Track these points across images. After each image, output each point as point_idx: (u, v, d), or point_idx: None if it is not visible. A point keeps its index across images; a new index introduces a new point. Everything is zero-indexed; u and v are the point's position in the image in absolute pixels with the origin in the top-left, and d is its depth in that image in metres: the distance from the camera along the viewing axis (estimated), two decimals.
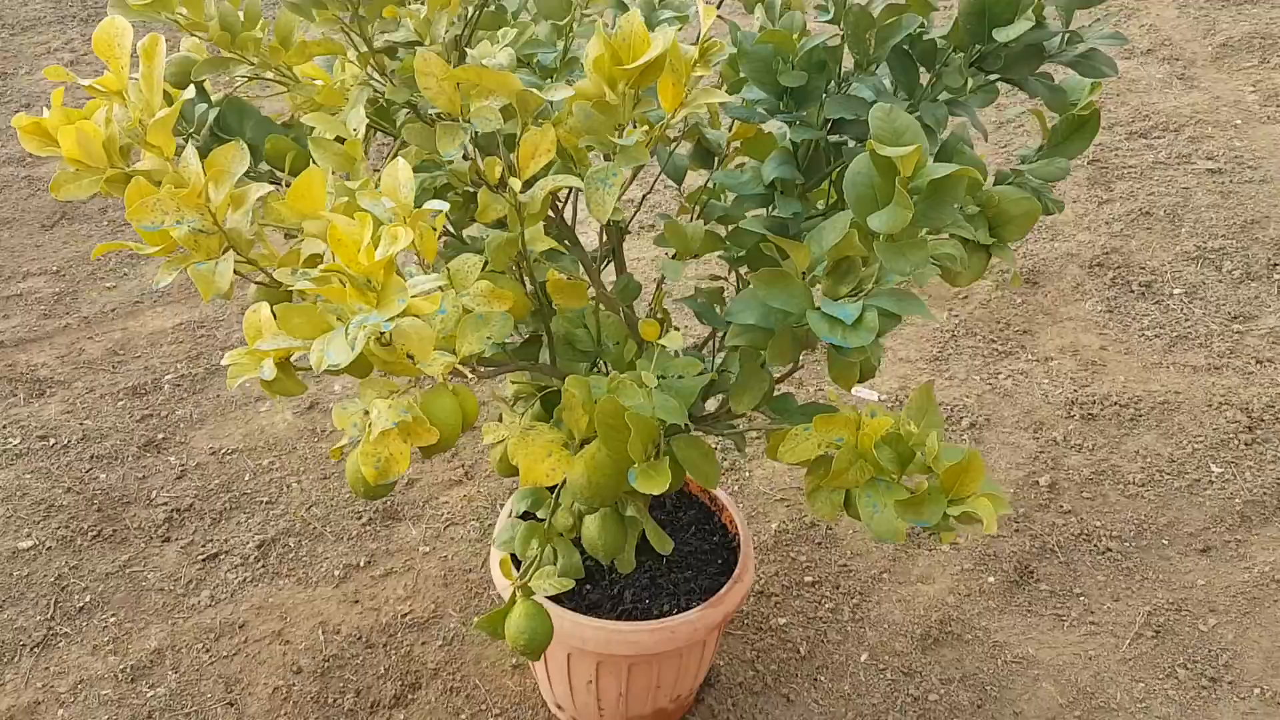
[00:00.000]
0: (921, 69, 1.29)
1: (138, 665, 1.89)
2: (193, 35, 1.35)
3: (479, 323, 1.11)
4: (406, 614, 1.98)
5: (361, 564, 2.08)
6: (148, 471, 2.29)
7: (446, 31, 1.29)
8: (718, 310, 1.47)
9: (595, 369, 1.40)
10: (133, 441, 2.36)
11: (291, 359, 1.12)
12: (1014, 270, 1.34)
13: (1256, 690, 1.86)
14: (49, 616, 1.97)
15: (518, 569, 1.63)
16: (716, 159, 1.47)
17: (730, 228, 1.42)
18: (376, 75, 1.36)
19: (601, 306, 1.39)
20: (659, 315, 1.39)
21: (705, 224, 1.39)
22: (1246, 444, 2.37)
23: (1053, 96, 1.27)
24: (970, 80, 1.23)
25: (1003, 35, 1.16)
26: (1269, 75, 3.92)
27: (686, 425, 1.26)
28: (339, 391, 2.51)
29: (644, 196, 1.56)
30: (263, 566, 2.08)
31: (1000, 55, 1.23)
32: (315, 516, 2.18)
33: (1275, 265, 2.93)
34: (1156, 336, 2.69)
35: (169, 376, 2.55)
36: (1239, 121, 3.65)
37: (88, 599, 2.01)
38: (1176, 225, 3.10)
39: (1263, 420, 2.42)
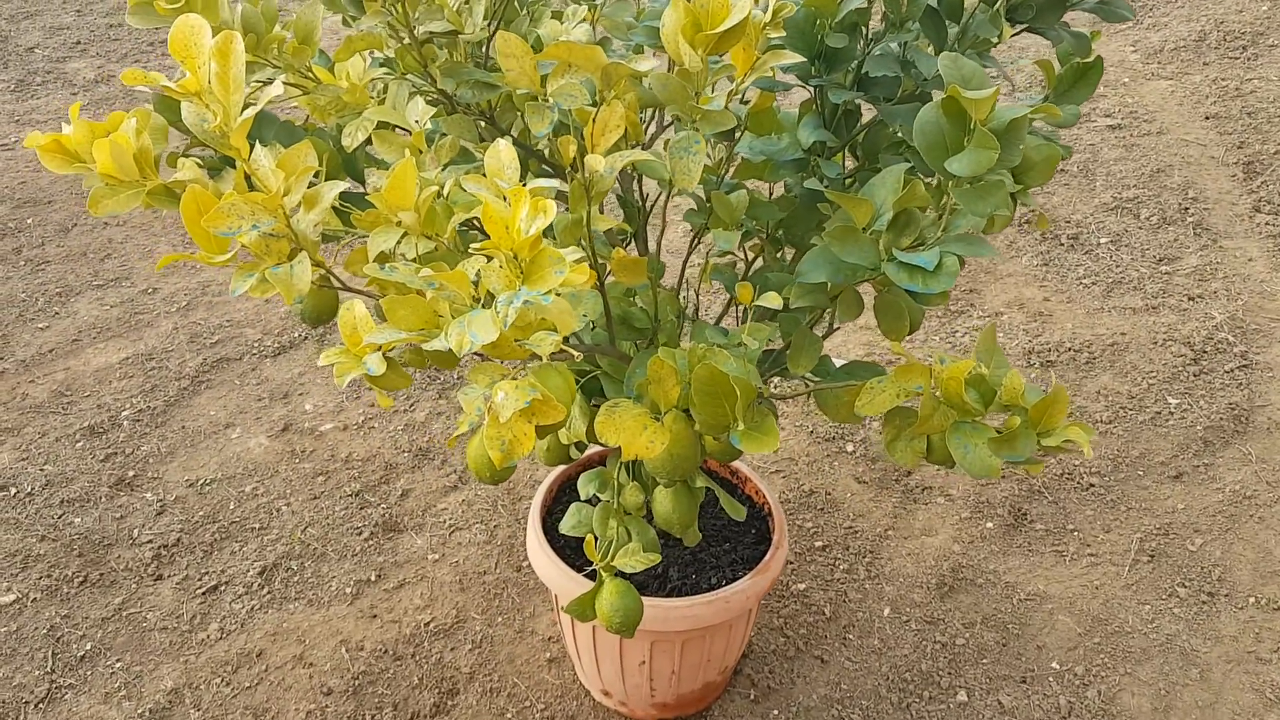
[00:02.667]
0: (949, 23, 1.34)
1: (156, 707, 1.81)
2: None
3: (574, 300, 1.11)
4: (429, 622, 1.95)
5: (372, 578, 2.04)
6: (124, 511, 2.19)
7: (485, 21, 1.29)
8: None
9: (649, 345, 1.41)
10: (102, 482, 2.26)
11: (392, 351, 1.10)
12: (1039, 212, 1.40)
13: (1251, 599, 1.97)
14: (49, 670, 1.88)
15: (553, 547, 1.62)
16: (737, 132, 1.49)
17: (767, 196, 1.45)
18: (403, 70, 1.35)
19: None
20: (705, 284, 1.41)
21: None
22: (1194, 375, 2.50)
23: (1077, 44, 1.33)
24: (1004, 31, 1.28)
25: None
26: (1144, 35, 4.15)
27: (761, 391, 1.28)
28: (310, 412, 2.45)
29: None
30: (268, 592, 2.02)
31: (1032, 5, 1.28)
32: (313, 537, 2.13)
33: (1187, 209, 3.11)
34: (1094, 284, 2.83)
35: (126, 412, 2.45)
36: (1126, 80, 3.85)
37: (88, 647, 1.91)
38: (1091, 179, 3.26)
39: (1205, 352, 2.57)
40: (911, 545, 2.10)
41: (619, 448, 1.19)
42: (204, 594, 2.02)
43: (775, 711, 1.80)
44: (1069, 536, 2.12)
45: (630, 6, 1.37)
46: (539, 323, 1.14)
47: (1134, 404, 2.43)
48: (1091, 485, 2.22)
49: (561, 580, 1.59)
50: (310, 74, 1.37)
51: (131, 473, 2.28)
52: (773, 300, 1.19)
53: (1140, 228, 3.04)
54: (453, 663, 1.87)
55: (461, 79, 1.28)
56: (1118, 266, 2.89)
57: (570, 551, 1.66)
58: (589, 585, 1.58)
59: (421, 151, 1.18)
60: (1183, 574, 2.03)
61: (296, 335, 2.69)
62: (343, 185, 1.12)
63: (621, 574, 1.43)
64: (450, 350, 1.03)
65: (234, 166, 1.35)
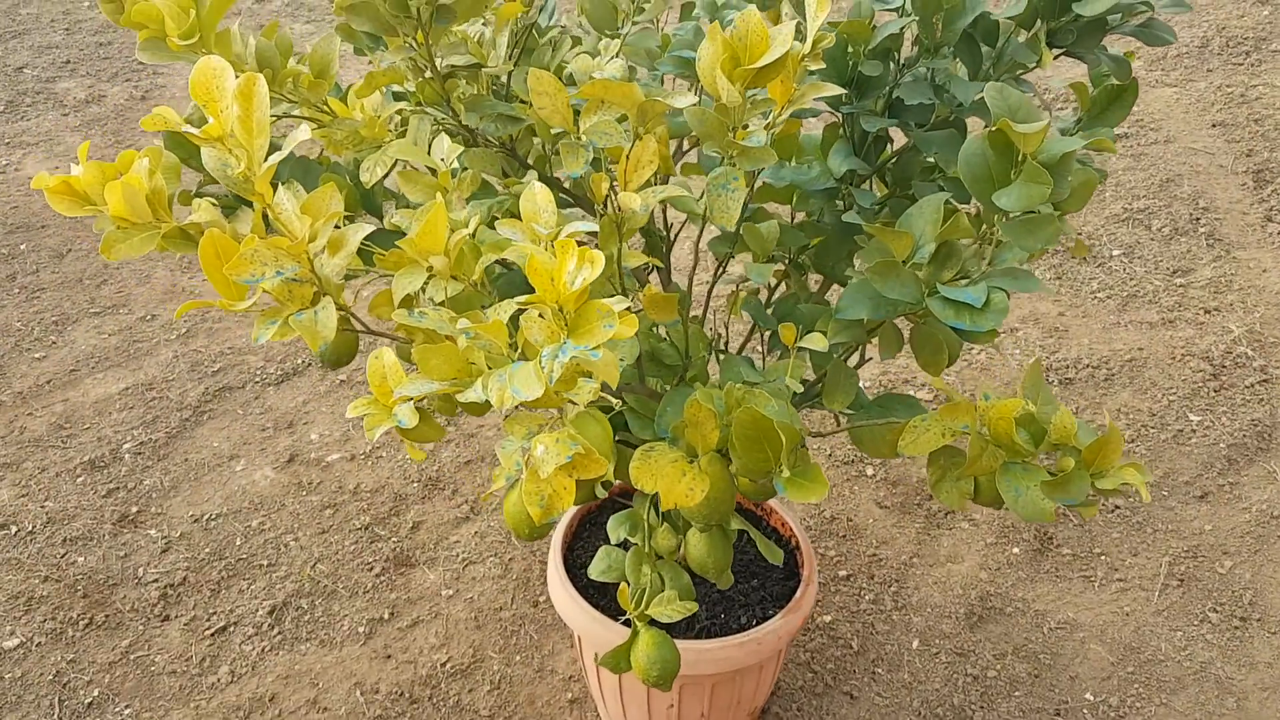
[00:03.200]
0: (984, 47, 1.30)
1: None
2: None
3: (611, 344, 1.06)
4: (445, 663, 1.90)
5: (385, 617, 1.98)
6: (128, 549, 2.13)
7: (508, 52, 1.24)
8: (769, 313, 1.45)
9: (680, 382, 1.36)
10: (104, 519, 2.20)
11: (421, 401, 1.05)
12: (1077, 239, 1.36)
13: None
14: (55, 718, 1.82)
15: (575, 585, 1.57)
16: None
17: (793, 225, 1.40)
18: (423, 103, 1.30)
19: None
20: (734, 316, 1.36)
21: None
22: (1215, 391, 2.47)
23: (1118, 68, 1.29)
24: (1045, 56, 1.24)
25: (1089, 9, 1.17)
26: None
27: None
28: (316, 441, 2.40)
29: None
30: (279, 633, 1.96)
31: (1072, 30, 1.24)
32: (323, 574, 2.07)
33: (1198, 220, 3.07)
34: (1109, 297, 2.79)
35: (127, 445, 2.39)
36: None
37: (95, 693, 1.86)
38: (1100, 190, 3.22)
39: (1224, 367, 2.53)
40: (938, 573, 2.05)
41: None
42: (213, 635, 1.96)
43: None
44: (1096, 561, 2.07)
45: (654, 35, 1.32)
46: (577, 369, 1.09)
47: (1156, 421, 2.39)
48: (1117, 507, 2.18)
49: (587, 623, 1.54)
50: (327, 108, 1.32)
51: (134, 508, 2.23)
52: (818, 342, 1.14)
53: (1152, 239, 3.01)
54: (471, 705, 1.82)
55: (485, 112, 1.23)
56: (1132, 279, 2.85)
57: (593, 590, 1.61)
58: (614, 627, 1.54)
59: (447, 190, 1.13)
60: (1213, 598, 1.99)
61: (300, 362, 2.64)
62: (369, 228, 1.07)
63: (655, 622, 1.38)
64: (486, 401, 0.98)
65: (251, 205, 1.30)
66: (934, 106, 1.32)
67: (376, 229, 1.12)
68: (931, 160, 1.40)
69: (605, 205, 1.11)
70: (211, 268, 1.10)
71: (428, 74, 1.22)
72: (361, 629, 1.96)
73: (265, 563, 2.11)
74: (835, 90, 1.08)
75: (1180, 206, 3.13)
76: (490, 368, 0.99)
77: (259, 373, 2.61)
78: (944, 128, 1.32)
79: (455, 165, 1.10)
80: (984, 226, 1.19)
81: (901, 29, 1.25)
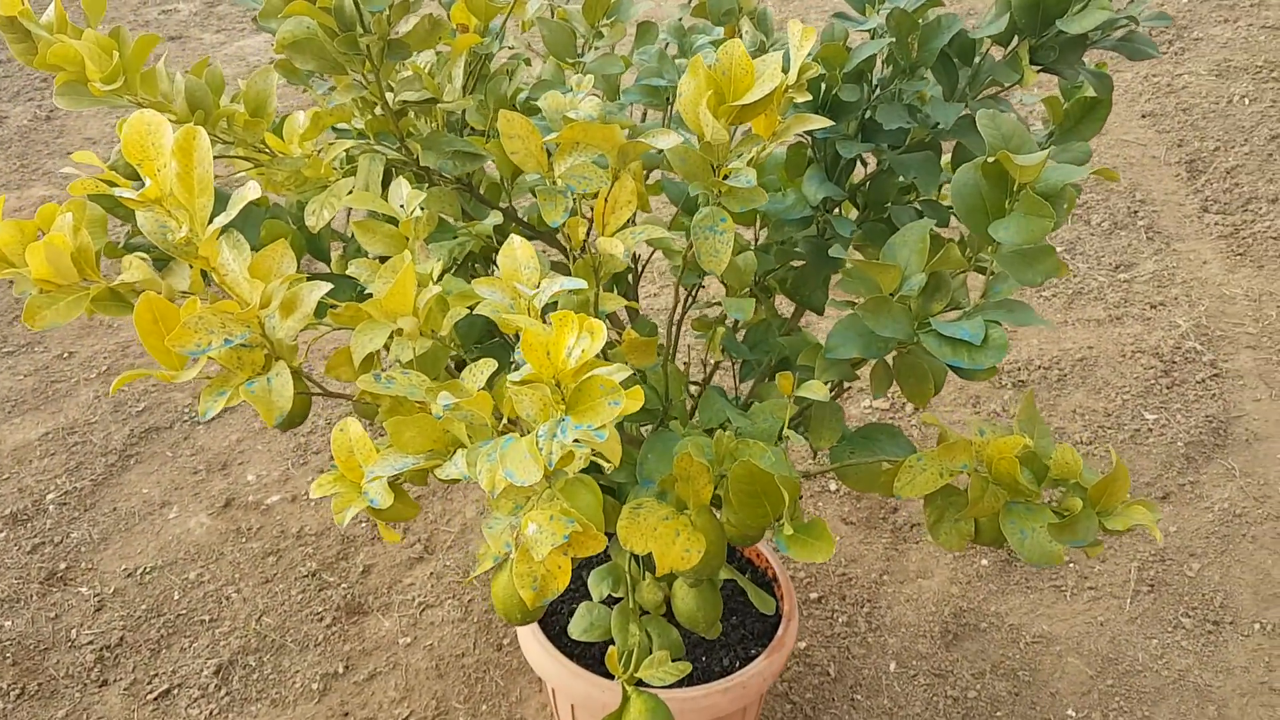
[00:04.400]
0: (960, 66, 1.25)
1: None
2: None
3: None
4: (407, 717, 1.80)
5: (340, 671, 1.88)
6: (59, 609, 2.00)
7: (464, 86, 1.16)
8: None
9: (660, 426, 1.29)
10: (30, 577, 2.06)
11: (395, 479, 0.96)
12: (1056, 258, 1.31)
13: (1256, 625, 1.92)
14: None
15: (545, 633, 1.50)
16: None
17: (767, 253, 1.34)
18: (373, 140, 1.21)
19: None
20: (715, 360, 1.29)
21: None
22: (1168, 388, 2.46)
23: (1100, 83, 1.25)
24: (1026, 74, 1.19)
25: (1075, 26, 1.12)
26: None
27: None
28: (253, 483, 2.28)
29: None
30: (226, 694, 1.85)
31: (1055, 47, 1.19)
32: (270, 627, 1.96)
33: (1136, 213, 3.08)
34: (1054, 295, 2.78)
35: (51, 496, 2.25)
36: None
37: None
38: None
39: (1174, 363, 2.53)
40: (909, 590, 2.01)
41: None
42: (156, 699, 1.84)
43: None
44: (1066, 570, 2.05)
45: (616, 61, 1.24)
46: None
47: (1112, 422, 2.38)
48: None
49: (565, 678, 1.47)
50: (265, 147, 1.22)
51: (63, 565, 2.09)
52: (818, 391, 1.07)
53: (1093, 234, 3.01)
54: None
55: (442, 150, 1.14)
56: (1075, 276, 2.85)
57: (566, 639, 1.53)
58: (591, 678, 1.46)
59: (408, 239, 1.04)
60: (1185, 603, 1.97)
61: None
62: (325, 286, 0.98)
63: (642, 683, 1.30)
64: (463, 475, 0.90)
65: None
66: (909, 129, 1.26)
67: (330, 281, 1.03)
68: (904, 182, 1.34)
69: (583, 250, 1.03)
70: (149, 334, 1.00)
71: (378, 111, 1.13)
72: (315, 685, 1.86)
73: (207, 618, 1.99)
74: (822, 122, 1.02)
75: (1117, 200, 3.14)
76: (472, 439, 0.90)
77: (187, 411, 2.48)
78: (921, 150, 1.27)
79: (418, 213, 1.01)
80: (972, 254, 1.14)
81: (877, 51, 1.19)
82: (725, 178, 0.99)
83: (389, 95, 1.11)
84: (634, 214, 1.01)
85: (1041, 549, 1.09)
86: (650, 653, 1.22)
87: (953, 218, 1.33)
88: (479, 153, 1.17)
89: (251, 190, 0.89)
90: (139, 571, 2.08)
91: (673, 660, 1.23)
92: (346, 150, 1.19)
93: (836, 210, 1.36)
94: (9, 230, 1.09)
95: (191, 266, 1.13)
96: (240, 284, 0.95)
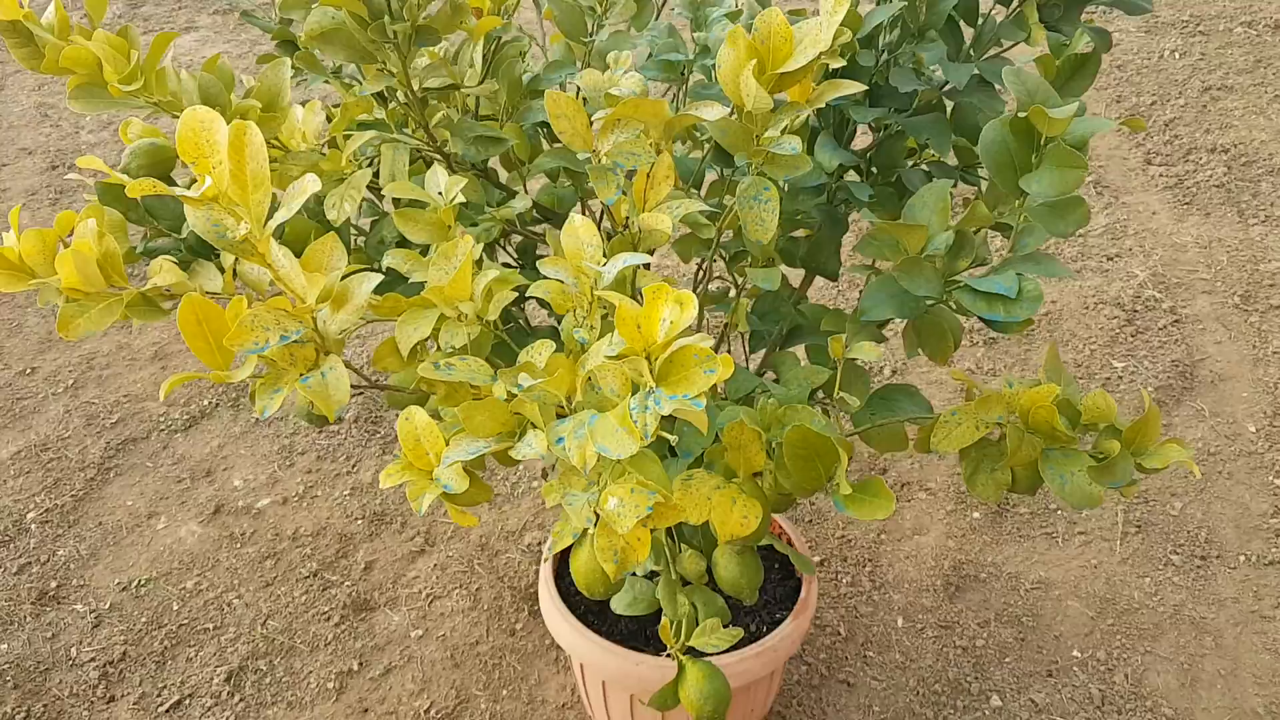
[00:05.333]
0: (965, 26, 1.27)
1: None
2: (173, 115, 1.14)
3: None
4: (428, 709, 1.80)
5: (354, 668, 1.87)
6: (55, 628, 1.96)
7: (482, 69, 1.15)
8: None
9: None
10: (21, 598, 2.01)
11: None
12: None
13: (1242, 557, 2.00)
14: None
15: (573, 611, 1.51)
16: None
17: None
18: (394, 130, 1.20)
19: None
20: (742, 330, 1.31)
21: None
22: (1132, 336, 2.54)
23: (1100, 39, 1.28)
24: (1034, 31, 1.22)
25: None
26: None
27: None
28: (241, 488, 2.25)
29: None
30: (241, 700, 1.83)
31: (1059, 4, 1.22)
32: (276, 630, 1.94)
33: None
34: None
35: (31, 515, 2.19)
36: None
37: None
38: None
39: (1136, 311, 2.61)
40: (907, 547, 2.05)
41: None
42: (168, 711, 1.81)
43: None
44: (1054, 517, 2.11)
45: (627, 39, 1.25)
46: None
47: (1082, 372, 2.44)
48: None
49: (597, 654, 1.48)
50: (278, 142, 1.21)
51: (54, 583, 2.04)
52: (870, 352, 1.10)
53: None
54: None
55: (465, 136, 1.14)
56: None
57: (592, 616, 1.54)
58: (626, 654, 1.47)
59: (450, 227, 1.04)
60: (1172, 540, 2.04)
61: (206, 403, 2.47)
62: (376, 278, 0.97)
63: (693, 650, 1.31)
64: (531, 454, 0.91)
65: (210, 257, 1.18)
66: (917, 92, 1.29)
67: (379, 276, 1.02)
68: (912, 144, 1.37)
69: (625, 225, 1.04)
70: (194, 336, 0.99)
71: (401, 97, 1.12)
72: (331, 684, 1.85)
73: (210, 626, 1.96)
74: (855, 88, 1.03)
75: None
76: (547, 421, 0.91)
77: (163, 420, 2.43)
78: (930, 112, 1.29)
79: (459, 199, 1.01)
80: (997, 211, 1.17)
81: (889, 16, 1.21)
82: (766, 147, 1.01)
83: (414, 83, 1.10)
84: (671, 190, 1.02)
85: (1082, 492, 1.13)
86: (697, 623, 1.24)
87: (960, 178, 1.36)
88: (500, 137, 1.17)
89: (311, 184, 0.88)
90: (133, 584, 2.04)
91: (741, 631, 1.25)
92: (368, 143, 1.18)
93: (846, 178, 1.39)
94: (31, 240, 1.07)
95: (222, 270, 1.12)
96: (295, 279, 0.94)
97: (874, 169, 1.38)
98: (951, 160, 1.38)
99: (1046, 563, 2.01)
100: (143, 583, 2.04)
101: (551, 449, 0.86)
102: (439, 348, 1.05)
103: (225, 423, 2.42)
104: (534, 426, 0.92)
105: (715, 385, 1.38)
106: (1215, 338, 2.52)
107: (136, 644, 1.93)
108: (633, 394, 0.80)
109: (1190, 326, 2.56)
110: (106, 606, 2.00)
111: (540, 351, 0.97)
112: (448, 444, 0.94)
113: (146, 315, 1.09)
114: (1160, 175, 3.12)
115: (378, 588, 2.02)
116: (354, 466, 2.28)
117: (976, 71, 1.25)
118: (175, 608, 2.00)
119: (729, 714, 1.56)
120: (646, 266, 1.24)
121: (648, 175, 1.01)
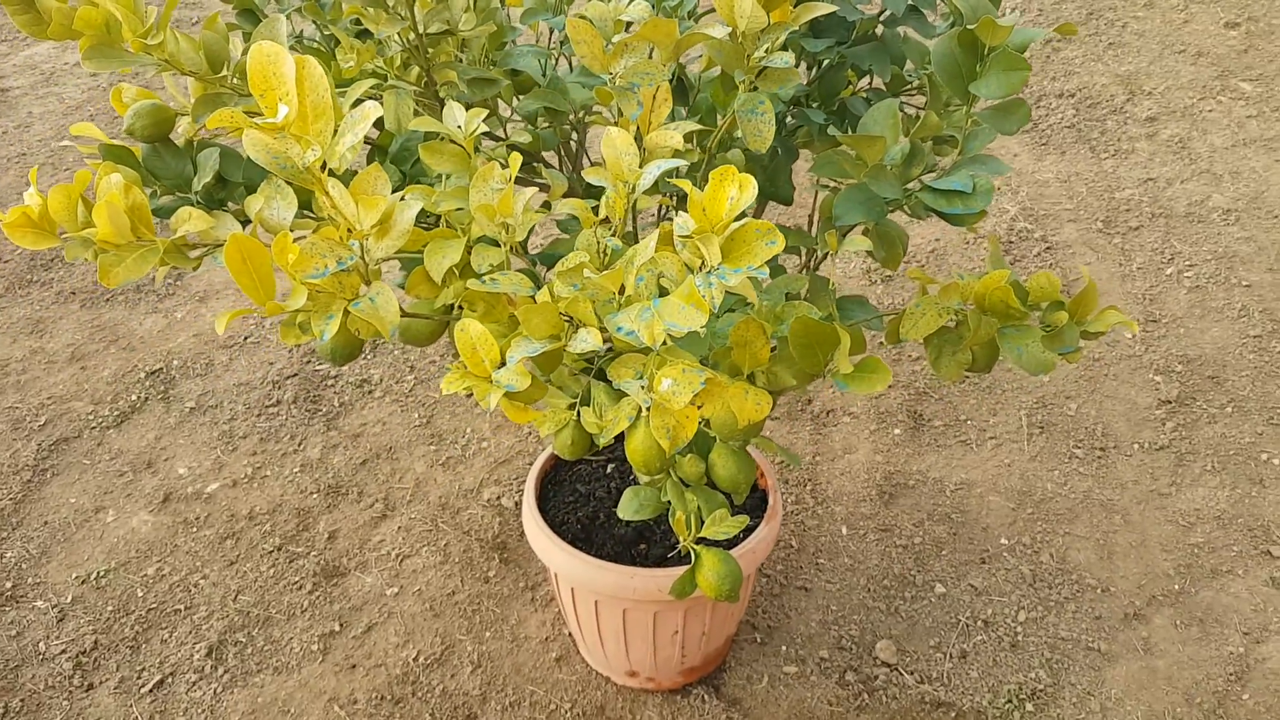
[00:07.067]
0: None
1: None
2: (183, 75, 1.18)
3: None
4: (415, 657, 1.86)
5: (335, 629, 1.92)
6: (18, 626, 1.94)
7: (466, 3, 1.24)
8: None
9: None
10: None
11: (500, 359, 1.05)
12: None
13: (1135, 445, 2.23)
14: None
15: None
16: (692, 93, 1.51)
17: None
18: (394, 78, 1.28)
19: None
20: None
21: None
22: (1011, 263, 2.77)
23: None
24: None
25: None
26: None
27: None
28: (186, 475, 2.25)
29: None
30: (225, 672, 1.86)
31: None
32: (250, 604, 1.97)
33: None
34: None
35: None
36: None
37: None
38: None
39: (1012, 242, 2.84)
40: (841, 465, 2.21)
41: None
42: (151, 691, 1.83)
43: (784, 647, 1.86)
44: (966, 426, 2.31)
45: None
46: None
47: None
48: (965, 378, 2.42)
49: (591, 572, 1.58)
50: None
51: (8, 584, 2.02)
52: (863, 244, 1.23)
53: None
54: (459, 689, 1.81)
55: (463, 77, 1.22)
56: None
57: (579, 544, 1.64)
58: (618, 569, 1.58)
59: (471, 157, 1.12)
60: (1072, 437, 2.26)
61: (135, 399, 2.45)
62: (419, 204, 1.05)
63: (703, 540, 1.42)
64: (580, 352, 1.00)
65: (222, 208, 1.24)
66: (855, 24, 1.43)
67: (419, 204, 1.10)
68: (850, 76, 1.51)
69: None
70: (241, 273, 1.05)
71: (409, 40, 1.20)
72: (315, 646, 1.89)
73: (180, 607, 1.97)
74: (828, 8, 1.16)
75: None
76: (604, 315, 1.01)
77: (91, 418, 2.41)
78: (868, 41, 1.44)
79: (481, 129, 1.10)
80: (945, 121, 1.32)
81: None
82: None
83: (424, 28, 1.18)
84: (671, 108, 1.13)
85: (1037, 359, 1.29)
86: (702, 521, 1.36)
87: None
88: (494, 78, 1.26)
89: (372, 109, 0.95)
90: (93, 577, 2.04)
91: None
92: (367, 92, 1.25)
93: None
94: (58, 196, 1.11)
95: (224, 210, 1.18)
96: (348, 206, 1.01)
97: (816, 100, 1.52)
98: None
99: (965, 466, 2.20)
100: (102, 574, 2.04)
101: (613, 337, 0.96)
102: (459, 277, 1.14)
103: (158, 415, 2.41)
104: (583, 325, 1.02)
105: None
106: (1084, 259, 2.77)
107: (106, 632, 1.93)
108: (694, 272, 0.91)
109: (1062, 252, 2.81)
110: (69, 600, 1.99)
111: (576, 258, 1.06)
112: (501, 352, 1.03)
113: (181, 261, 1.14)
114: None
115: (345, 554, 2.06)
116: (300, 445, 2.31)
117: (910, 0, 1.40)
118: (140, 594, 2.00)
119: (716, 615, 1.69)
120: (676, 172, 1.34)
121: (652, 98, 1.11)
